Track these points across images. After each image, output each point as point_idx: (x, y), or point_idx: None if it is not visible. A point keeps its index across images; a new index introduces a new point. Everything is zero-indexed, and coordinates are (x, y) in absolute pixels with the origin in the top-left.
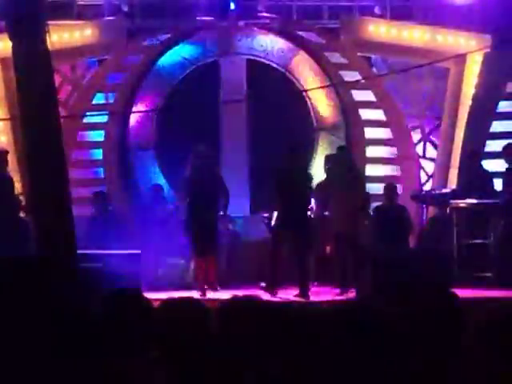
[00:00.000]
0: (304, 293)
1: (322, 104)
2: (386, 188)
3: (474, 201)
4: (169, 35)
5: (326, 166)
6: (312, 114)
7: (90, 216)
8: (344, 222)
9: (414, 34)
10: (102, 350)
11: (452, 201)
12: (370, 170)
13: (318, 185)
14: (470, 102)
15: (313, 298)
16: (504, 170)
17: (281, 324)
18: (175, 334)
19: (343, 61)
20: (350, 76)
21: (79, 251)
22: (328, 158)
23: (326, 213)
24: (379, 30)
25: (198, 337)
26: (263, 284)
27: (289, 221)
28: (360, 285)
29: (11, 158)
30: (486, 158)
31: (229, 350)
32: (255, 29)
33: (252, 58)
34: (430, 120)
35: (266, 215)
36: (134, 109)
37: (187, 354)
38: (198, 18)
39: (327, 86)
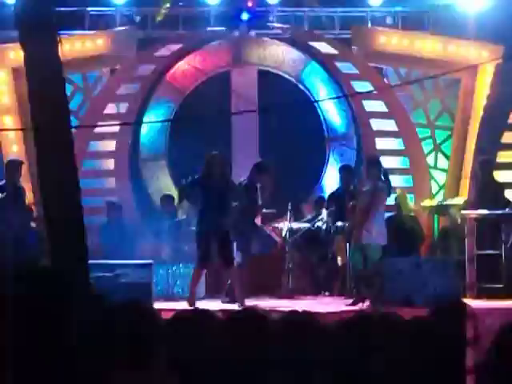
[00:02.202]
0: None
1: (334, 114)
2: (397, 198)
3: (485, 211)
4: (180, 45)
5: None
6: (323, 124)
7: (103, 225)
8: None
9: (426, 45)
10: (112, 361)
11: (463, 211)
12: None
13: (332, 195)
14: (481, 113)
15: (324, 309)
16: None
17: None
18: (187, 346)
19: (355, 71)
20: (362, 86)
21: (91, 261)
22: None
23: (339, 223)
24: (391, 40)
25: (208, 348)
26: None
27: None
28: (374, 296)
29: (23, 168)
30: (497, 169)
31: (237, 362)
32: (267, 39)
33: (263, 68)
34: (441, 130)
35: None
36: (145, 119)
37: (198, 365)
38: (209, 29)
39: (339, 97)
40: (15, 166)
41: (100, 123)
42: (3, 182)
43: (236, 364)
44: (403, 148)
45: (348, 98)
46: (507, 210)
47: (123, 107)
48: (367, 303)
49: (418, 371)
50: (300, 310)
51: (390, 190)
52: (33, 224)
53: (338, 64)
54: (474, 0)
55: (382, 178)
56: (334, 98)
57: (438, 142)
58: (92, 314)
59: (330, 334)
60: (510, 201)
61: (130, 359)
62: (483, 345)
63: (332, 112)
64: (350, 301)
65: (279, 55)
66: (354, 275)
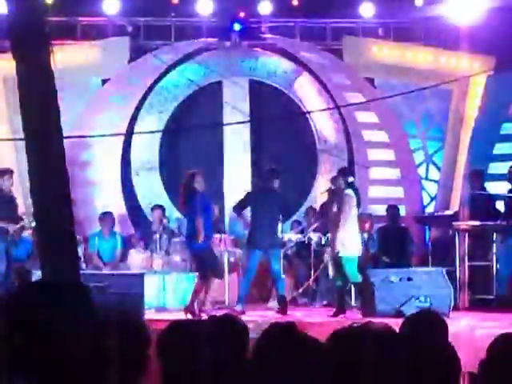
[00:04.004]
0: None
1: (325, 125)
2: (388, 209)
3: (476, 222)
4: (172, 55)
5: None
6: (315, 135)
7: (94, 235)
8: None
9: (418, 56)
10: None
11: (455, 222)
12: (373, 192)
13: (323, 206)
14: (472, 124)
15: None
16: (506, 192)
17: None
18: (180, 359)
19: (346, 82)
20: (354, 97)
21: (82, 271)
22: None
23: (329, 234)
24: (382, 51)
25: (201, 362)
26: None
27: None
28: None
29: (14, 177)
30: (488, 180)
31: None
32: (258, 50)
33: (255, 78)
34: (432, 142)
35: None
36: (137, 129)
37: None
38: (201, 39)
39: (331, 109)
40: (6, 175)
41: (91, 134)
42: None
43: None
44: (394, 159)
45: (340, 109)
46: (498, 221)
47: (115, 117)
48: (349, 314)
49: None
50: (283, 321)
51: (358, 200)
52: (24, 233)
53: (330, 75)
54: (466, 12)
55: (350, 188)
56: (325, 110)
57: (429, 153)
58: (84, 327)
59: (314, 346)
60: (500, 212)
61: (121, 373)
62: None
63: (323, 123)
64: (332, 312)
65: (271, 66)
66: (334, 287)
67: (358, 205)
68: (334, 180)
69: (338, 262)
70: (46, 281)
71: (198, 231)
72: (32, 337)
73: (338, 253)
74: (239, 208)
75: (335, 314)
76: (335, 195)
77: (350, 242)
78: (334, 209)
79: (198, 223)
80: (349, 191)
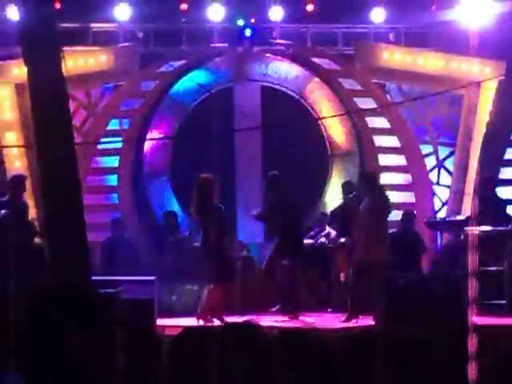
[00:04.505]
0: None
1: (337, 130)
2: (404, 215)
3: (488, 228)
4: (183, 61)
5: (349, 194)
6: (326, 140)
7: (106, 241)
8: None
9: (429, 61)
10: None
11: (466, 227)
12: None
13: (334, 211)
14: (484, 129)
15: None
16: None
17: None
18: (191, 365)
19: (358, 87)
20: (365, 102)
21: (94, 277)
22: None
23: (343, 239)
24: (394, 56)
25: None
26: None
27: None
28: (377, 311)
29: (26, 184)
30: (500, 185)
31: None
32: (269, 55)
33: (266, 84)
34: (444, 147)
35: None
36: (148, 135)
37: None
38: (212, 45)
39: (342, 115)
40: (18, 181)
41: (103, 139)
42: (6, 197)
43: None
44: (406, 164)
45: (351, 114)
46: (510, 226)
47: (126, 123)
48: (362, 320)
49: None
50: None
51: (388, 206)
52: (36, 240)
53: (341, 80)
54: (476, 17)
55: (380, 194)
56: (337, 116)
57: (440, 158)
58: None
59: (326, 352)
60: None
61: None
62: (485, 361)
63: (335, 128)
64: (344, 317)
65: (282, 71)
66: (349, 292)
67: (388, 210)
68: (358, 185)
69: (362, 267)
70: (61, 290)
71: (212, 235)
72: (47, 345)
73: (364, 258)
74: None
75: (348, 319)
76: (363, 200)
77: (379, 247)
78: (363, 214)
79: (212, 227)
80: (377, 196)
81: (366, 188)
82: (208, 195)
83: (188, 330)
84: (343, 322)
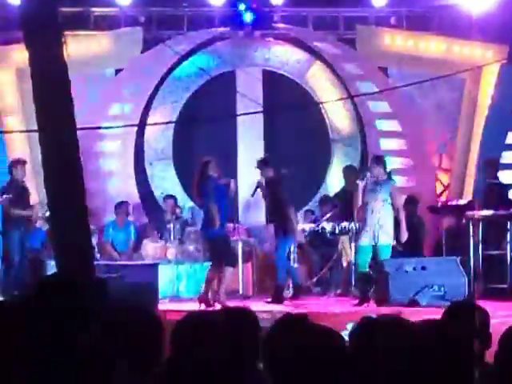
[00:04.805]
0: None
1: (338, 115)
2: (407, 200)
3: (489, 212)
4: (185, 45)
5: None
6: (328, 124)
7: (108, 225)
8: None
9: (430, 45)
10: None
11: (468, 212)
12: None
13: (337, 195)
14: (486, 113)
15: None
16: None
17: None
18: (197, 349)
19: (359, 71)
20: (366, 87)
21: (96, 262)
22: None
23: (344, 223)
24: (395, 40)
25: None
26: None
27: None
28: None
29: (27, 167)
30: (501, 169)
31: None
32: (271, 39)
33: (268, 68)
34: (445, 131)
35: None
36: (150, 119)
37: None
38: (214, 29)
39: (343, 99)
40: (18, 164)
41: (105, 124)
42: (8, 181)
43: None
44: (407, 148)
45: (353, 98)
46: (511, 210)
47: (128, 107)
48: (372, 303)
49: (430, 376)
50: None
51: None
52: (37, 224)
53: (343, 64)
54: (479, 0)
55: (390, 177)
56: (338, 100)
57: (442, 142)
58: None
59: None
60: None
61: (133, 363)
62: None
63: (336, 112)
64: (356, 301)
65: (283, 55)
66: (359, 276)
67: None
68: (370, 168)
69: (374, 250)
70: (62, 277)
71: (212, 217)
72: (50, 335)
73: (377, 241)
74: None
75: (360, 303)
76: (376, 184)
77: (391, 230)
78: (376, 198)
79: (213, 209)
80: (393, 180)
81: (380, 171)
82: (207, 177)
83: (188, 315)
84: (355, 305)
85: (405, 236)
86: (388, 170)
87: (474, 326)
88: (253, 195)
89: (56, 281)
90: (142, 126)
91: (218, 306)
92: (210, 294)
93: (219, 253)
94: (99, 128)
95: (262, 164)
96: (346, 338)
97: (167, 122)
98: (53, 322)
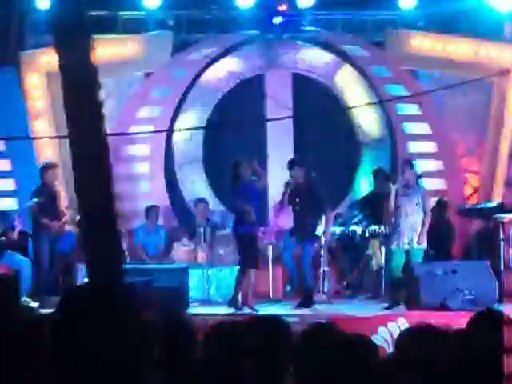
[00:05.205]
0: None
1: (367, 118)
2: (437, 203)
3: None
4: (213, 49)
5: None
6: (357, 127)
7: (139, 229)
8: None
9: (459, 48)
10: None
11: (497, 215)
12: None
13: (366, 198)
14: None
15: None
16: None
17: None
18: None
19: (388, 74)
20: (396, 89)
21: (126, 265)
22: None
23: (374, 227)
24: (423, 43)
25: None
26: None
27: None
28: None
29: (58, 172)
30: None
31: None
32: (300, 42)
33: (297, 71)
34: (475, 133)
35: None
36: (179, 123)
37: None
38: (242, 32)
39: (373, 104)
40: (50, 169)
41: (134, 130)
42: (39, 185)
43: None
44: (437, 151)
45: (382, 102)
46: None
47: (157, 110)
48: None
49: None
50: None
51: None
52: (68, 227)
53: (372, 67)
54: (509, 1)
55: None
56: (368, 104)
57: (471, 144)
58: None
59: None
60: None
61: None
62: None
63: (366, 116)
64: (386, 305)
65: (312, 59)
66: (389, 279)
67: None
68: (401, 172)
69: (407, 254)
70: (92, 286)
71: (244, 213)
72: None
73: (411, 245)
74: None
75: (390, 307)
76: (408, 188)
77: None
78: (408, 201)
79: (245, 207)
80: (423, 185)
81: (411, 174)
82: (239, 180)
83: (219, 325)
84: (386, 309)
85: (423, 240)
86: (419, 173)
87: (502, 339)
88: (282, 200)
89: (84, 293)
90: (171, 129)
91: (247, 310)
92: (239, 297)
93: (242, 252)
94: (129, 134)
95: (293, 165)
96: (377, 342)
97: (195, 128)
98: (81, 337)
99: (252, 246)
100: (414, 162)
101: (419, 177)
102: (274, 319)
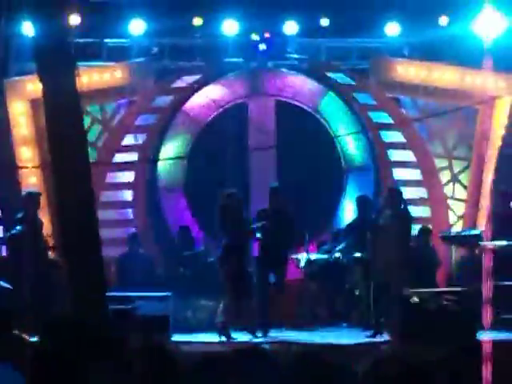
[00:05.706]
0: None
1: (351, 145)
2: (421, 231)
3: (504, 242)
4: (197, 77)
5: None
6: (341, 155)
7: (122, 257)
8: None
9: (443, 75)
10: None
11: (481, 242)
12: None
13: (350, 225)
14: (499, 143)
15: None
16: None
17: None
18: None
19: (372, 102)
20: (380, 117)
21: (108, 293)
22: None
23: (357, 254)
24: (408, 70)
25: None
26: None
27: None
28: (392, 328)
29: (41, 199)
30: None
31: None
32: (284, 70)
33: (281, 99)
34: (458, 161)
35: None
36: (162, 151)
37: None
38: (226, 60)
39: (357, 133)
40: (34, 197)
41: (117, 159)
42: (22, 213)
43: None
44: (421, 178)
45: (365, 129)
46: None
47: (141, 138)
48: (386, 335)
49: None
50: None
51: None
52: (51, 255)
53: (356, 95)
54: (491, 30)
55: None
56: (352, 133)
57: (455, 172)
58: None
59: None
60: None
61: None
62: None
63: (349, 143)
64: (370, 333)
65: (296, 86)
66: (374, 308)
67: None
68: (385, 200)
69: (386, 284)
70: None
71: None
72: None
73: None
74: None
75: (373, 335)
76: (398, 218)
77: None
78: (391, 230)
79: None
80: (408, 212)
81: (395, 203)
82: (229, 210)
83: (205, 356)
84: (370, 337)
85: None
86: (402, 202)
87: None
88: (256, 228)
89: (63, 322)
90: (154, 157)
91: (235, 339)
92: (226, 325)
93: (234, 284)
94: (111, 164)
95: (272, 192)
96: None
97: (177, 158)
98: (63, 364)
99: (242, 278)
100: (399, 190)
101: (404, 205)
102: (255, 350)
